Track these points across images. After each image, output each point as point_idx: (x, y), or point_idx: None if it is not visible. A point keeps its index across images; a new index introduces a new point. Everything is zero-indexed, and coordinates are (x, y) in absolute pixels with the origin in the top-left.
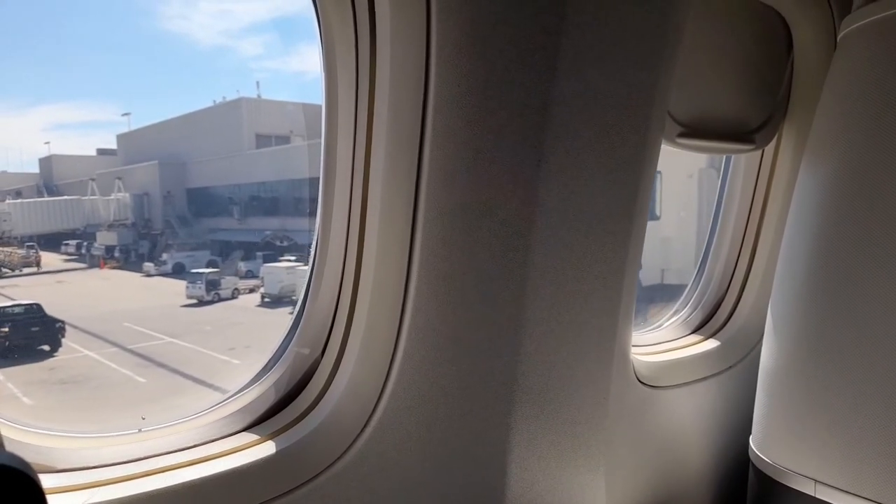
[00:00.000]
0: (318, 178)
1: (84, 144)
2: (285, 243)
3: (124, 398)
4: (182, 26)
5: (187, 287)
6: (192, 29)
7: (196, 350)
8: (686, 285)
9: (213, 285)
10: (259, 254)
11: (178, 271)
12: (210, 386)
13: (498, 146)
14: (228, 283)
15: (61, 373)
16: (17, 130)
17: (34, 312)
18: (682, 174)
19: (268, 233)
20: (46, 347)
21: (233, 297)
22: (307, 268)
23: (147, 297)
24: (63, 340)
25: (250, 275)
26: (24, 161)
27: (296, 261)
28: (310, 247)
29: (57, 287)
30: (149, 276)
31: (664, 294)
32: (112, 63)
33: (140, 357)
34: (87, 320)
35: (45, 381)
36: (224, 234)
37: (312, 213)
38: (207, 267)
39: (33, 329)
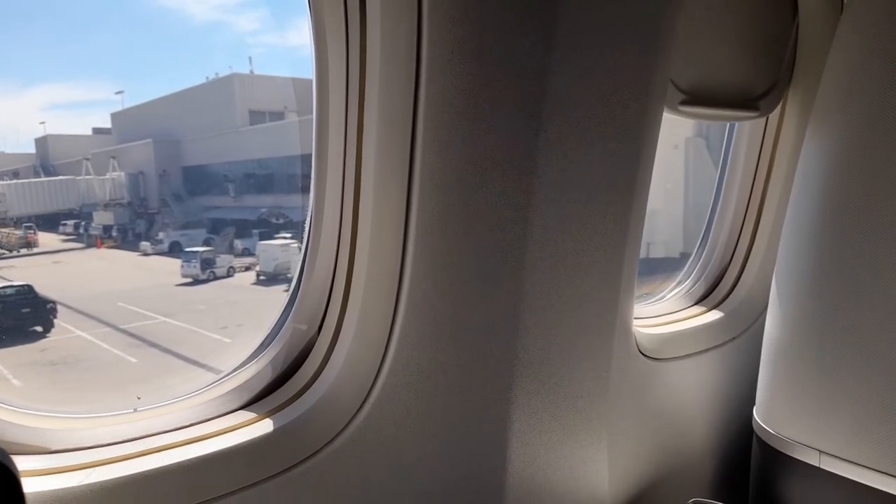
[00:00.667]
0: (311, 154)
1: (82, 124)
2: (281, 220)
3: (115, 379)
4: (176, 1)
5: (182, 266)
6: (186, 3)
7: (189, 329)
8: (672, 258)
9: (208, 264)
10: (255, 231)
11: (175, 250)
12: (201, 365)
13: (494, 115)
14: (223, 261)
15: (52, 354)
16: (15, 111)
17: (25, 293)
18: (668, 144)
19: (263, 210)
20: (39, 328)
21: (228, 275)
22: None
23: (143, 276)
24: (56, 321)
25: (247, 252)
26: (20, 141)
27: (291, 238)
28: (304, 223)
29: (53, 267)
30: (145, 255)
31: (648, 268)
32: (108, 41)
33: (133, 337)
34: (82, 300)
35: (36, 362)
36: (220, 211)
37: (306, 190)
38: (204, 245)
39: (24, 310)
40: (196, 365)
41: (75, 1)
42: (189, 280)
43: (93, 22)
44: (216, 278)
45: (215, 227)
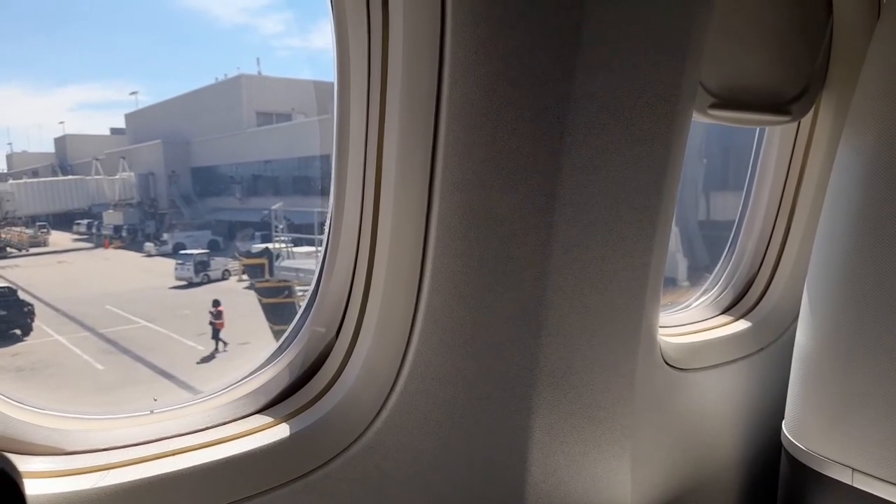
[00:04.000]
0: (315, 157)
1: (106, 124)
2: (282, 223)
3: (73, 388)
4: (202, 4)
5: (176, 268)
6: (211, 6)
7: (167, 335)
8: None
9: (202, 266)
10: (258, 234)
11: (179, 251)
12: (167, 376)
13: (518, 117)
14: (218, 263)
15: (22, 359)
16: (43, 110)
17: (5, 296)
18: None
19: (265, 212)
20: (18, 331)
21: (223, 277)
22: (297, 249)
23: (140, 278)
24: (37, 324)
25: (257, 255)
26: (43, 140)
27: (290, 242)
28: (303, 228)
29: (56, 268)
30: (149, 256)
31: None
32: (135, 43)
33: (108, 342)
34: (72, 302)
35: (3, 367)
36: (226, 213)
37: (308, 193)
38: (209, 247)
39: (1, 313)
40: (162, 375)
41: (105, 3)
42: (183, 283)
43: (121, 24)
44: (210, 281)
45: (220, 228)
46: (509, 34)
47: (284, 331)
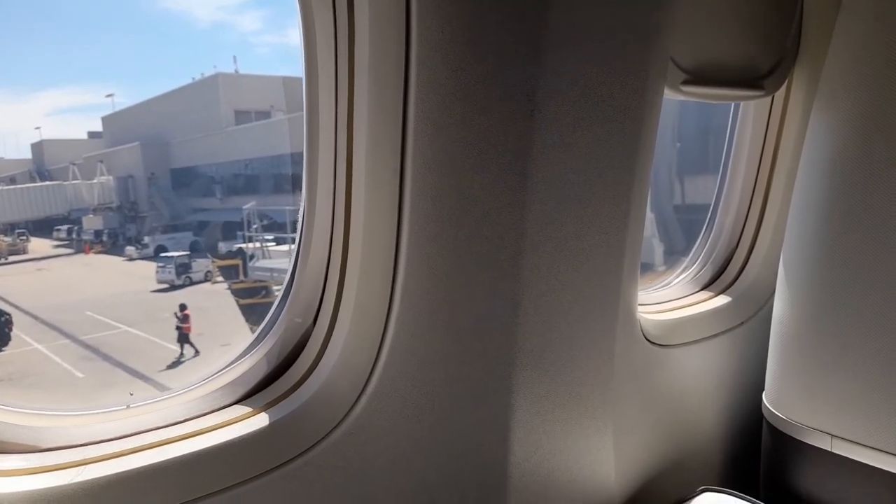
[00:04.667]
0: (292, 153)
1: (85, 127)
2: (264, 222)
3: (53, 397)
4: (180, 3)
5: (157, 271)
6: (190, 6)
7: (148, 339)
8: None
9: (183, 269)
10: (239, 233)
11: (161, 254)
12: (147, 380)
13: (488, 96)
14: (201, 265)
15: (1, 370)
16: (21, 116)
17: None
18: None
19: (245, 209)
20: None
21: (206, 279)
22: (277, 247)
23: (122, 282)
24: (16, 333)
25: (230, 255)
26: (20, 147)
27: (272, 240)
28: (284, 226)
29: (35, 275)
30: (130, 260)
31: None
32: (114, 44)
33: (88, 349)
34: (52, 310)
35: None
36: (208, 214)
37: (287, 191)
38: (190, 249)
39: None
40: (142, 379)
41: (82, 5)
42: (165, 286)
43: (99, 26)
44: (192, 283)
45: (202, 229)
46: (476, 12)
47: None
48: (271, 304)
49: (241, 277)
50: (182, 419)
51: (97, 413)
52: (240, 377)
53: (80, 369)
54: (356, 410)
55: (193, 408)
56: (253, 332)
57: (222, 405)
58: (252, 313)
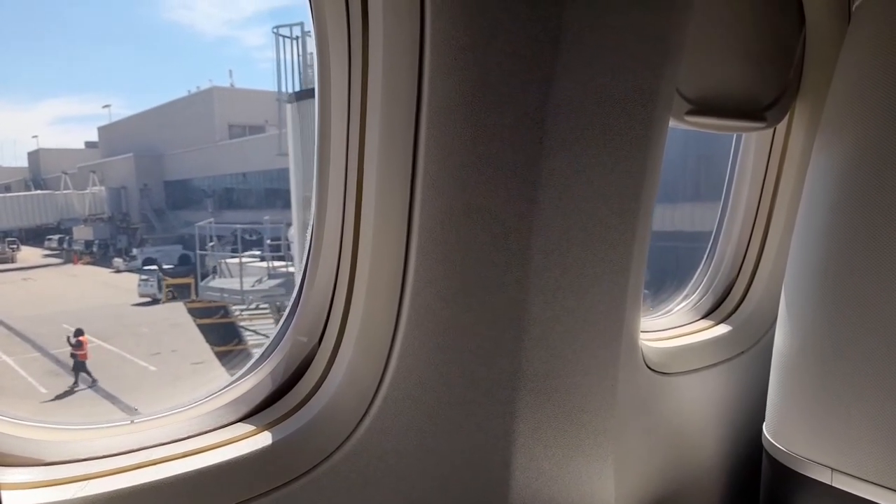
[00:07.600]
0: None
1: (83, 137)
2: (253, 237)
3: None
4: (186, 16)
5: (139, 285)
6: (195, 19)
7: (119, 355)
8: None
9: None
10: (228, 248)
11: (145, 266)
12: (112, 399)
13: (498, 121)
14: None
15: None
16: (23, 125)
17: None
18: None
19: (237, 227)
20: None
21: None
22: (263, 264)
23: (104, 294)
24: None
25: (216, 270)
26: (18, 155)
27: (258, 257)
28: (273, 240)
29: (20, 285)
30: (118, 271)
31: None
32: (118, 56)
33: (57, 363)
34: (28, 321)
35: None
36: (198, 228)
37: (273, 206)
38: (179, 262)
39: None
40: (106, 398)
41: (87, 16)
42: (147, 300)
43: (104, 37)
44: (175, 298)
45: (192, 243)
46: (489, 41)
47: (228, 352)
48: (231, 324)
49: (192, 297)
50: (185, 436)
51: (102, 428)
52: (244, 395)
53: (45, 385)
54: (359, 432)
55: (197, 424)
56: (215, 352)
57: (226, 422)
58: (211, 333)
